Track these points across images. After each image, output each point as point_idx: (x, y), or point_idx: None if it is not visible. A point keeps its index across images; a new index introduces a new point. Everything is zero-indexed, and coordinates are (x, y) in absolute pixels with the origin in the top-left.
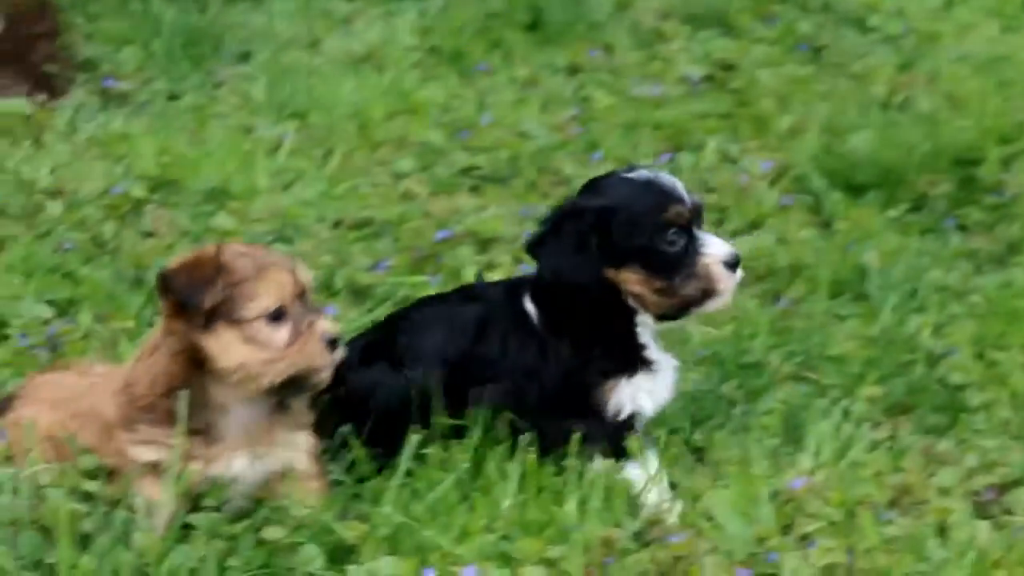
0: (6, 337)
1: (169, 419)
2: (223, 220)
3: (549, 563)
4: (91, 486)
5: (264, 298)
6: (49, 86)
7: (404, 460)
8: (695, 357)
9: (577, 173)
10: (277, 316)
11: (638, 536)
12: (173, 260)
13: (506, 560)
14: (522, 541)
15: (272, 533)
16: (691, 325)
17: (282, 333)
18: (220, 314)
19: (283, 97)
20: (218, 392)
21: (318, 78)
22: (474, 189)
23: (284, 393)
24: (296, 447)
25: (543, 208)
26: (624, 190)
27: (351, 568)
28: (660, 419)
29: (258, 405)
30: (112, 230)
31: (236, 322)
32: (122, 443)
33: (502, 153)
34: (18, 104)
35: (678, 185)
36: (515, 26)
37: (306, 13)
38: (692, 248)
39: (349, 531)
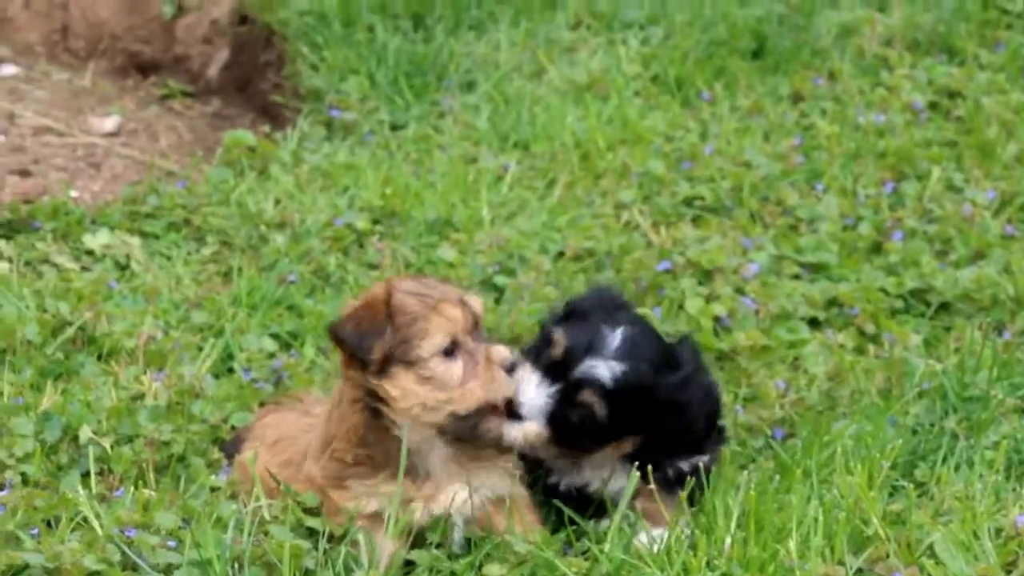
0: (231, 370)
1: (376, 468)
2: (446, 252)
3: None
4: (313, 523)
5: (436, 335)
6: (274, 116)
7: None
8: (914, 388)
9: (800, 203)
10: (450, 351)
11: (860, 574)
12: (346, 306)
13: None
14: None
15: (493, 570)
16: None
17: (456, 368)
18: (394, 357)
19: (506, 127)
20: (408, 432)
21: (541, 107)
22: (696, 219)
23: (469, 426)
24: (505, 472)
25: (765, 240)
26: None
27: None
28: (880, 451)
29: (454, 439)
30: (336, 262)
31: (411, 363)
32: (336, 502)
33: (725, 183)
34: (243, 135)
35: None
36: (739, 54)
37: (529, 42)
38: None
39: (571, 568)
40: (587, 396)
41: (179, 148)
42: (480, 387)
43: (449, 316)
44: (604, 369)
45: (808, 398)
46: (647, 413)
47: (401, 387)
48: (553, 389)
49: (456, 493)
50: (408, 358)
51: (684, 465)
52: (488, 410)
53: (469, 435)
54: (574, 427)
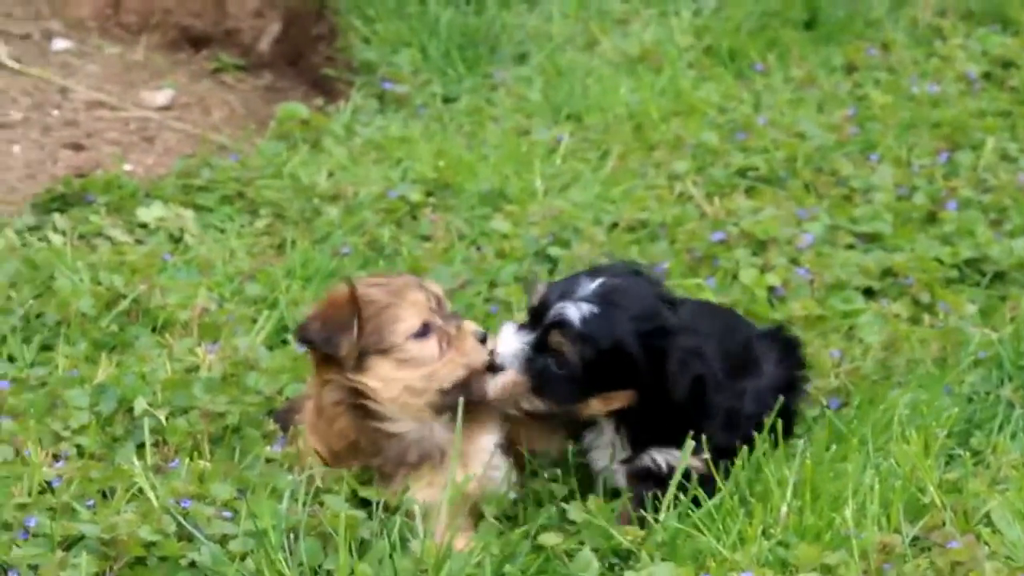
0: (284, 342)
1: (385, 476)
2: (499, 224)
3: (827, 569)
4: (367, 492)
5: (407, 319)
6: (326, 89)
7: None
8: (969, 358)
9: (854, 174)
10: (423, 332)
11: (916, 542)
12: (311, 308)
13: (783, 566)
14: (799, 547)
15: (548, 539)
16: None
17: (432, 345)
18: (368, 348)
19: (559, 99)
20: (403, 425)
21: (594, 79)
22: (750, 190)
23: (453, 401)
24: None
25: (819, 210)
26: None
27: (628, 574)
28: (936, 419)
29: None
30: (389, 234)
31: (386, 350)
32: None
33: (778, 154)
34: (296, 107)
35: None
36: (791, 25)
37: (582, 14)
38: None
39: (626, 536)
40: (556, 338)
41: (231, 121)
42: (459, 356)
43: (414, 300)
44: (574, 310)
45: (863, 367)
46: (620, 362)
47: (381, 376)
48: (529, 336)
49: (485, 445)
50: (382, 346)
51: (659, 458)
52: (466, 383)
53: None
54: (549, 374)
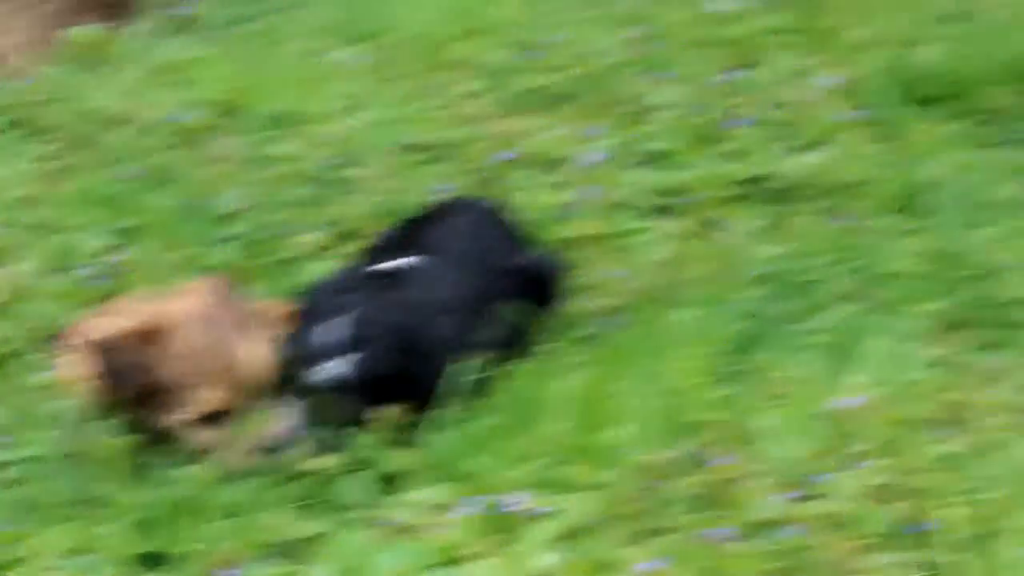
0: (68, 268)
1: None
2: (288, 146)
3: (599, 487)
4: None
5: None
6: (118, 11)
7: (453, 387)
8: (750, 275)
9: (646, 91)
10: None
11: (692, 459)
12: None
13: (556, 485)
14: (572, 466)
15: (314, 464)
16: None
17: None
18: None
19: (351, 20)
20: None
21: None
22: (542, 109)
23: None
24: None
25: (608, 128)
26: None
27: (399, 496)
28: (707, 336)
29: None
30: (177, 157)
31: None
32: None
33: (570, 72)
34: (86, 31)
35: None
36: None
37: None
38: None
39: (397, 460)
40: None
41: (20, 45)
42: None
43: None
44: None
45: (644, 285)
46: None
47: None
48: None
49: None
50: None
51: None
52: None
53: None
54: None
